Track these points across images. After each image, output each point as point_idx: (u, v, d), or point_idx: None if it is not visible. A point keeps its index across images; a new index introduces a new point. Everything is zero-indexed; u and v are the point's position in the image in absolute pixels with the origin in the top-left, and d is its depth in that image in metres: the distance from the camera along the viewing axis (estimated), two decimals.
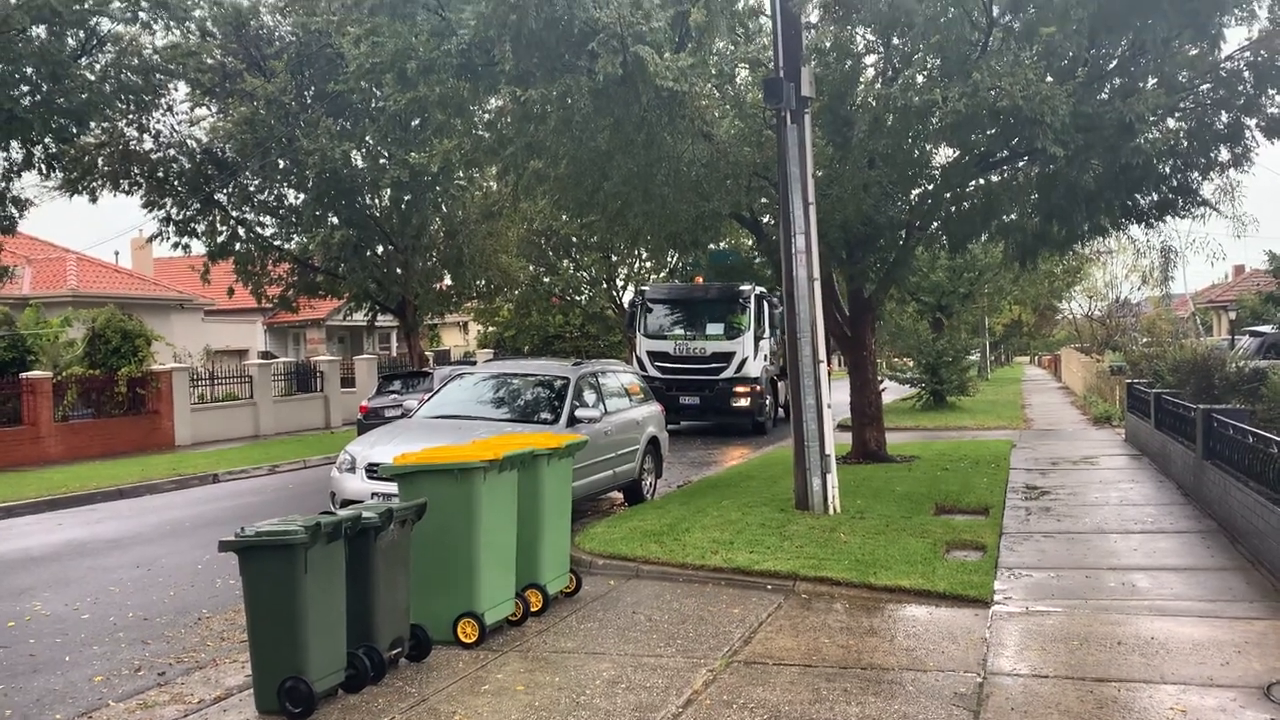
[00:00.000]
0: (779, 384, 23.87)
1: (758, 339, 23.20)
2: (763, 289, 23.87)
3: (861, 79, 13.18)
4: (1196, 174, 13.13)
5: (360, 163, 23.69)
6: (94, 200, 22.45)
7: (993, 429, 22.10)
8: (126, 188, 22.80)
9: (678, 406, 22.45)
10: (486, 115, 14.31)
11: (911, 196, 14.29)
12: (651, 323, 23.97)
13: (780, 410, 24.13)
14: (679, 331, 23.51)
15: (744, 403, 22.55)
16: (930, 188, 14.04)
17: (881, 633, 7.12)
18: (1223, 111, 12.28)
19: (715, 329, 23.28)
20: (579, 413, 11.62)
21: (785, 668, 6.36)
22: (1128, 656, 6.37)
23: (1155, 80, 11.67)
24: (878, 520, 10.55)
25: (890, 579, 8.13)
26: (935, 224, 14.75)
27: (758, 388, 22.76)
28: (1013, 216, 14.36)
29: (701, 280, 26.02)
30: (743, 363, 22.64)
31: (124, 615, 8.34)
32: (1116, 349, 37.93)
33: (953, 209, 14.16)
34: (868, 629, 7.21)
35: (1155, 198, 13.43)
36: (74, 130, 18.96)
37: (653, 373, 22.51)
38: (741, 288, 23.63)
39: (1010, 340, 69.59)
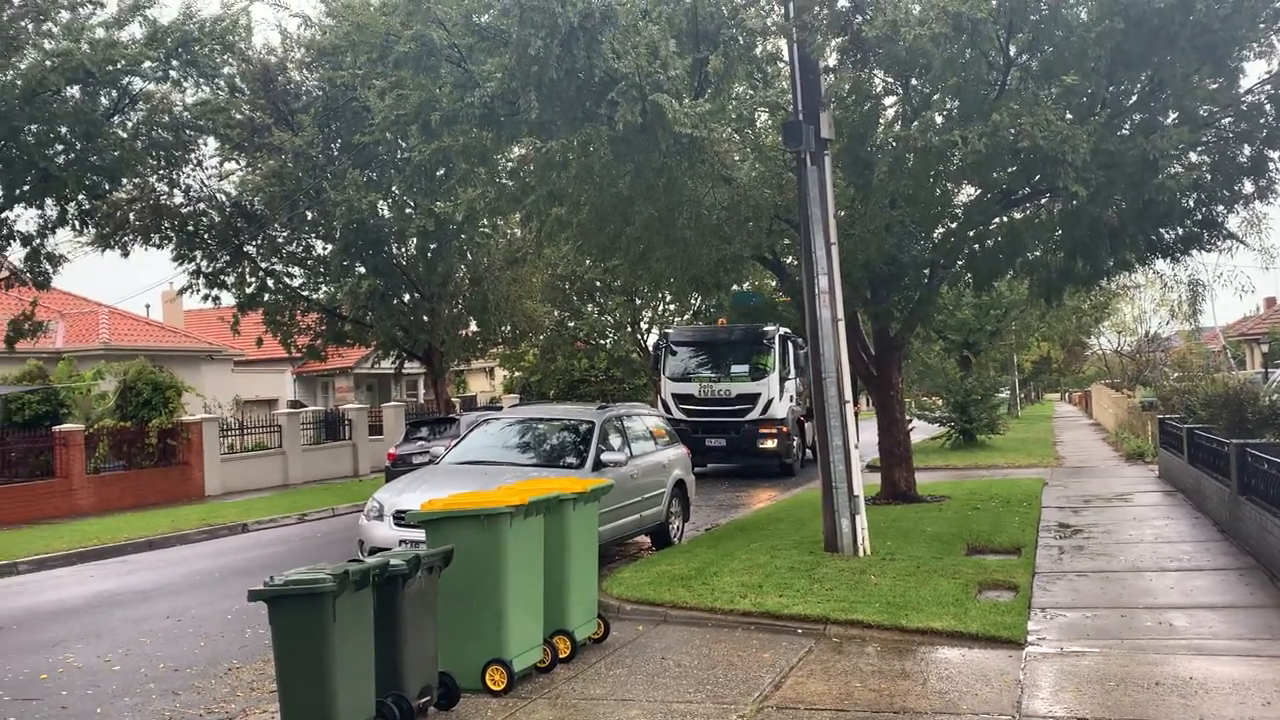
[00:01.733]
0: (806, 425, 23.70)
1: (783, 380, 22.98)
2: (787, 330, 23.71)
3: (881, 120, 13.24)
4: (1221, 207, 13.05)
5: (386, 213, 23.97)
6: (125, 254, 22.77)
7: (1024, 467, 21.88)
8: (157, 241, 23.13)
9: (704, 449, 22.21)
10: (509, 164, 14.50)
11: (934, 235, 14.29)
12: (675, 365, 23.79)
13: (808, 451, 23.95)
14: (704, 373, 23.31)
15: (771, 444, 22.25)
16: (953, 226, 14.05)
17: (914, 675, 7.03)
18: (1245, 144, 12.22)
19: (740, 370, 23.09)
20: (605, 456, 11.61)
21: (817, 712, 6.28)
22: (1166, 697, 6.25)
23: (1176, 115, 11.66)
24: (908, 561, 10.44)
25: (922, 621, 8.04)
26: (959, 262, 14.72)
27: (784, 429, 22.50)
28: (1037, 253, 14.32)
29: (725, 322, 26.00)
30: (768, 404, 22.42)
31: (155, 666, 8.36)
32: (1147, 384, 37.51)
33: (976, 247, 14.14)
34: (900, 672, 7.12)
35: (1180, 232, 13.34)
36: (107, 187, 19.33)
37: (678, 415, 22.34)
38: (765, 329, 23.49)
39: (1039, 377, 68.99)
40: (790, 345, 23.57)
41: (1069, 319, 42.09)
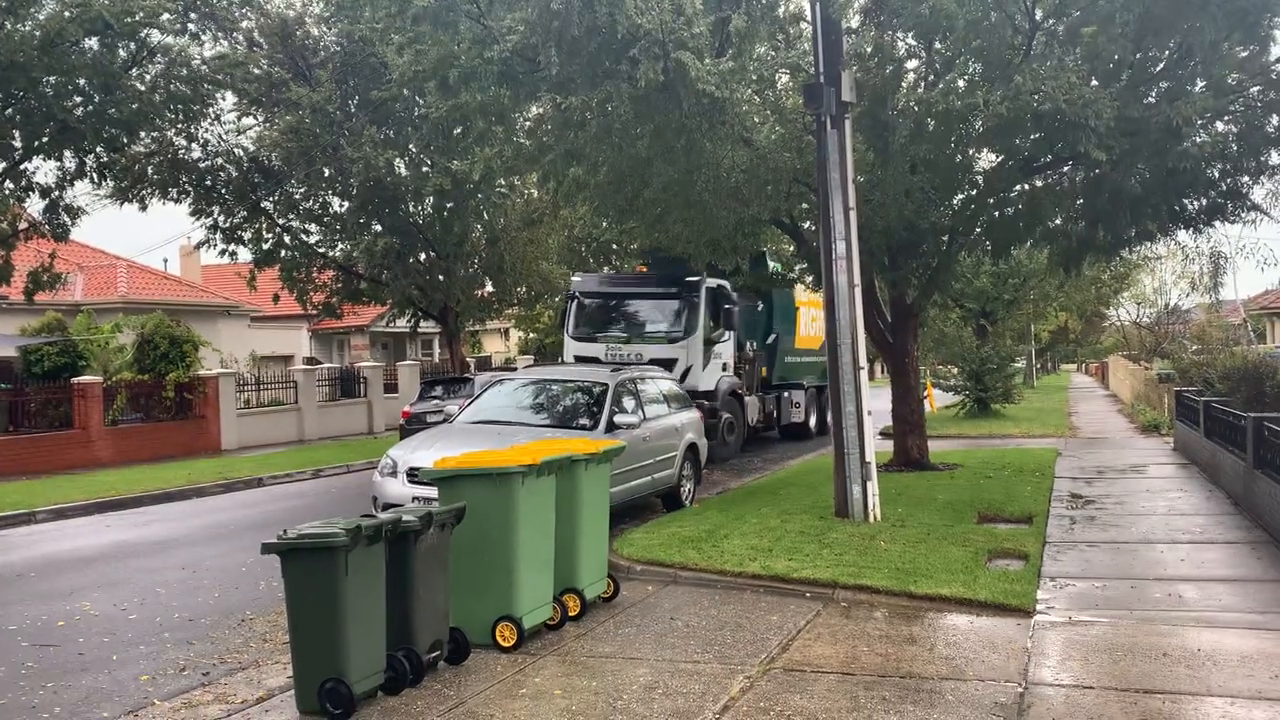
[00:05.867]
0: (747, 400, 19.84)
1: (709, 342, 18.61)
2: (720, 282, 19.26)
3: (903, 84, 13.09)
4: (1246, 178, 12.87)
5: (403, 171, 23.93)
6: (144, 208, 22.90)
7: (1038, 437, 21.82)
8: (175, 196, 23.20)
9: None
10: (527, 123, 14.40)
11: (954, 202, 14.18)
12: (581, 321, 19.31)
13: (751, 429, 20.38)
14: (614, 333, 18.92)
15: None
16: (973, 193, 13.92)
17: (921, 641, 7.05)
18: (1274, 114, 12.04)
19: (656, 330, 18.75)
20: (618, 419, 11.64)
21: (823, 675, 6.32)
22: (1174, 668, 6.26)
23: (1203, 83, 11.49)
24: (919, 528, 10.45)
25: (931, 587, 8.05)
26: (978, 230, 14.60)
27: (708, 404, 17.62)
28: (1057, 222, 14.18)
29: (645, 269, 20.81)
30: (687, 372, 18.05)
31: (170, 616, 8.47)
32: (1165, 356, 37.29)
33: (996, 214, 14.01)
34: (907, 637, 7.14)
35: (1204, 202, 13.18)
36: (124, 140, 19.32)
37: None
38: (690, 278, 18.77)
39: (1056, 347, 68.63)
40: (722, 300, 19.06)
41: (1088, 289, 41.81)
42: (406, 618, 6.31)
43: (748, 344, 20.56)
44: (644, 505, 12.49)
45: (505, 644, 6.95)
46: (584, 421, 11.62)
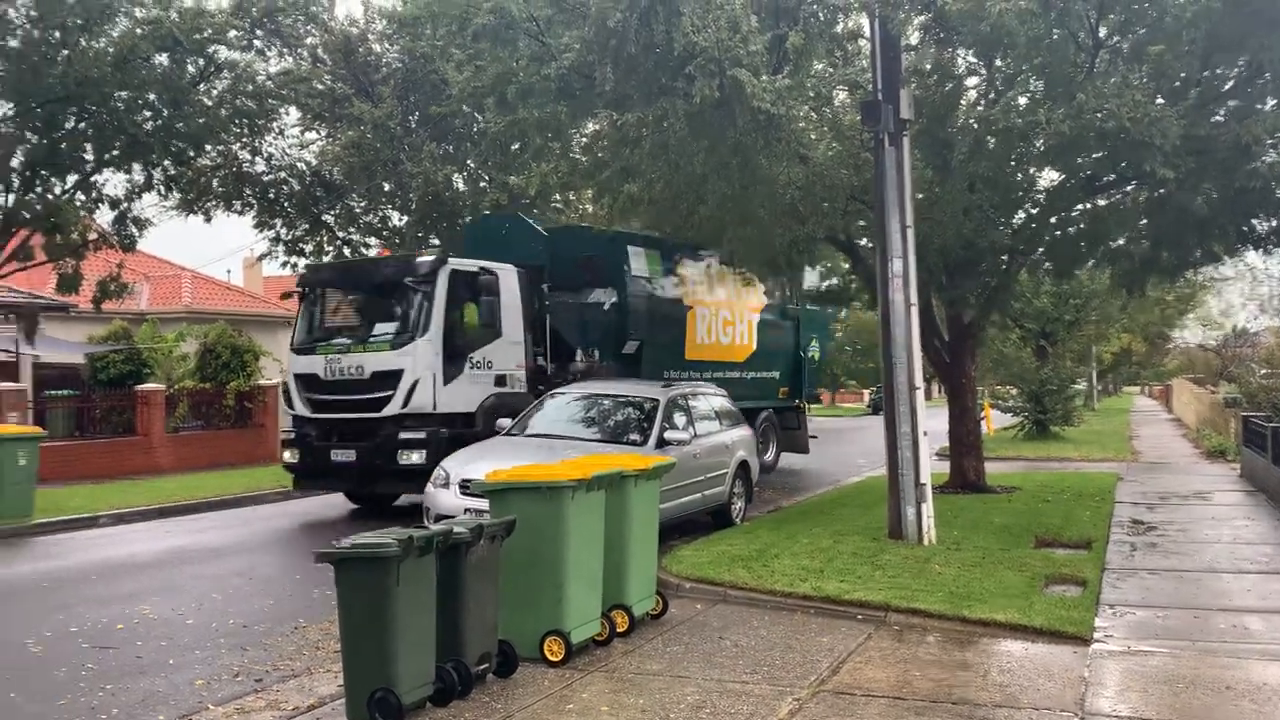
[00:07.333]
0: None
1: (454, 349, 14.04)
2: (484, 264, 14.65)
3: (962, 101, 12.97)
4: None
5: (461, 186, 24.18)
6: (208, 220, 23.37)
7: (1098, 461, 21.40)
8: (239, 208, 23.67)
9: (328, 467, 14.25)
10: (583, 139, 14.47)
11: (1014, 221, 13.97)
12: (304, 326, 15.19)
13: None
14: (336, 341, 14.66)
15: (415, 458, 13.32)
16: (1033, 212, 13.71)
17: (974, 667, 6.92)
18: None
19: (381, 332, 14.44)
20: (668, 435, 11.62)
21: (873, 699, 6.23)
22: (1237, 702, 6.07)
23: (1274, 101, 11.23)
24: (974, 552, 10.28)
25: (985, 612, 7.91)
26: (1039, 249, 14.39)
27: (445, 431, 13.58)
28: (1120, 242, 13.93)
29: (387, 254, 15.38)
30: (413, 388, 13.64)
31: (225, 622, 8.60)
32: (1232, 380, 36.39)
33: (1057, 234, 13.80)
34: (960, 663, 7.02)
35: (1274, 223, 12.86)
36: (191, 153, 19.80)
37: (300, 409, 14.57)
38: (422, 259, 14.90)
39: (1119, 369, 67.33)
40: (482, 290, 14.45)
41: (1152, 311, 41.03)
42: (456, 629, 6.33)
43: (581, 352, 15.88)
44: (694, 522, 12.44)
45: (553, 658, 6.95)
46: (635, 437, 11.62)
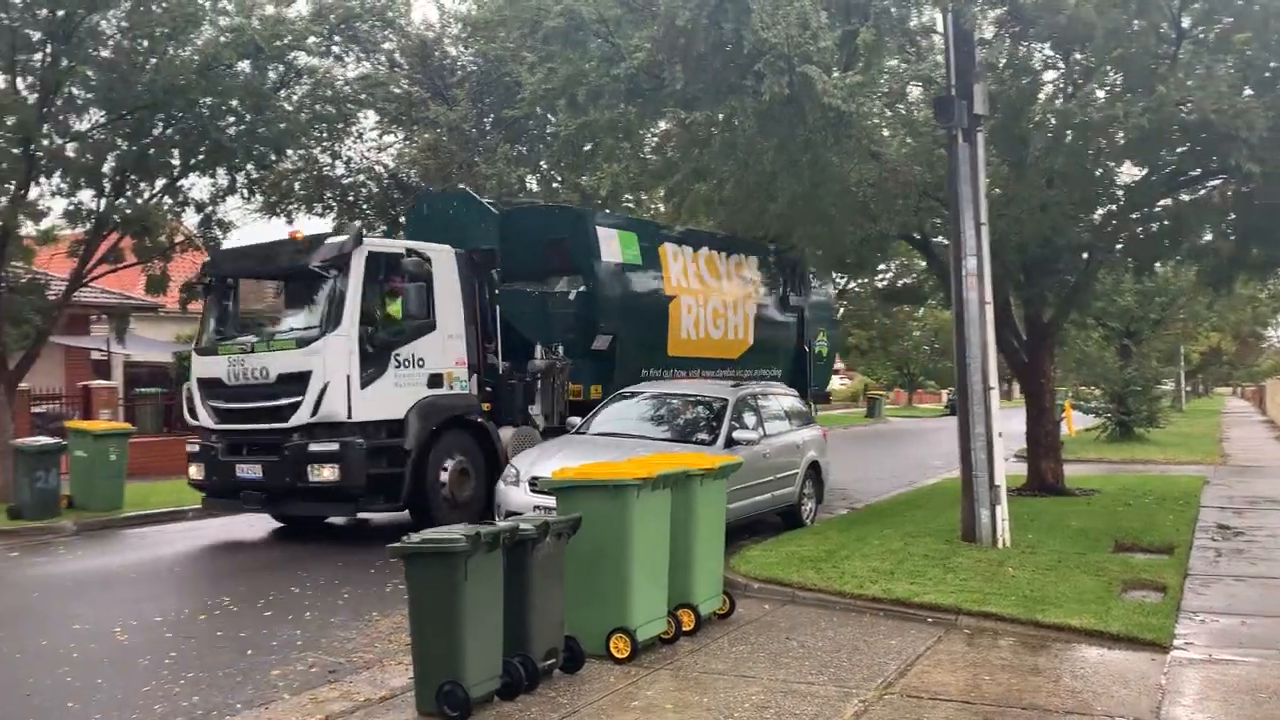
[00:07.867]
0: (504, 432, 13.34)
1: (374, 345, 12.02)
2: (410, 245, 12.88)
3: (1039, 95, 12.70)
4: None
5: (535, 187, 24.41)
6: (290, 222, 23.97)
7: (1184, 464, 20.77)
8: (320, 210, 24.23)
9: (234, 483, 12.50)
10: (654, 138, 14.51)
11: (1093, 217, 13.66)
12: (210, 322, 13.36)
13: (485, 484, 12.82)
14: (243, 339, 12.76)
15: (328, 474, 11.66)
16: (1113, 208, 13.38)
17: (1046, 672, 6.79)
18: None
19: (290, 328, 12.67)
20: (736, 434, 11.59)
21: (940, 702, 6.15)
22: None
23: None
24: (1049, 555, 10.06)
25: (1059, 617, 7.74)
26: (1119, 246, 14.03)
27: (362, 442, 11.71)
28: (1206, 238, 13.52)
29: (300, 236, 12.85)
30: (323, 392, 11.69)
31: (301, 614, 8.81)
32: None
33: (1138, 230, 13.44)
34: (1032, 668, 6.89)
35: None
36: (273, 157, 20.25)
37: (205, 419, 12.80)
38: (332, 239, 12.46)
39: (1209, 369, 65.36)
40: (408, 274, 12.43)
41: (1243, 309, 39.71)
42: (523, 624, 6.41)
43: (541, 348, 14.15)
44: (763, 523, 12.39)
45: (619, 655, 6.99)
46: (703, 436, 11.61)
